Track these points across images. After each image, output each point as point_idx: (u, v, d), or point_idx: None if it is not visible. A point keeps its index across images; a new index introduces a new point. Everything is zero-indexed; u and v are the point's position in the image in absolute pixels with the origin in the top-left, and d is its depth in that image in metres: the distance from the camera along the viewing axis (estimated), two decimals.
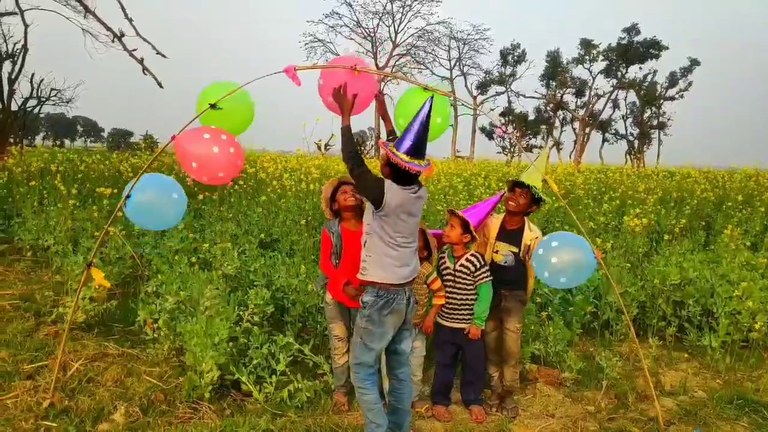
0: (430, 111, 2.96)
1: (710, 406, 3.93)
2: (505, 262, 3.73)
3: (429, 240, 3.63)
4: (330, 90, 3.19)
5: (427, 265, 3.70)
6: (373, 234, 3.01)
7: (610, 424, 3.67)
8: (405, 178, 2.97)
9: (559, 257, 3.26)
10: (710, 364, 4.64)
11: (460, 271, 3.68)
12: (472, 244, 3.73)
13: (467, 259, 3.67)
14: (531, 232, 3.72)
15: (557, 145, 42.78)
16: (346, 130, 3.05)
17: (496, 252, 3.76)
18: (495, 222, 3.80)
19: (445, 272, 3.75)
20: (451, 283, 3.71)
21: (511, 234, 3.74)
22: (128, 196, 3.17)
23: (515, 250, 3.71)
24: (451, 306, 3.71)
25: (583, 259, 3.26)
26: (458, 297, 3.69)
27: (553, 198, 7.99)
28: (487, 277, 3.66)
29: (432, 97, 3.02)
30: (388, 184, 2.95)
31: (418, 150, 2.93)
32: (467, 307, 3.69)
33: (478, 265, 3.65)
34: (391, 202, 2.93)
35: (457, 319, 3.71)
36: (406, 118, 3.36)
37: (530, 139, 43.89)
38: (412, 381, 3.79)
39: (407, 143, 2.93)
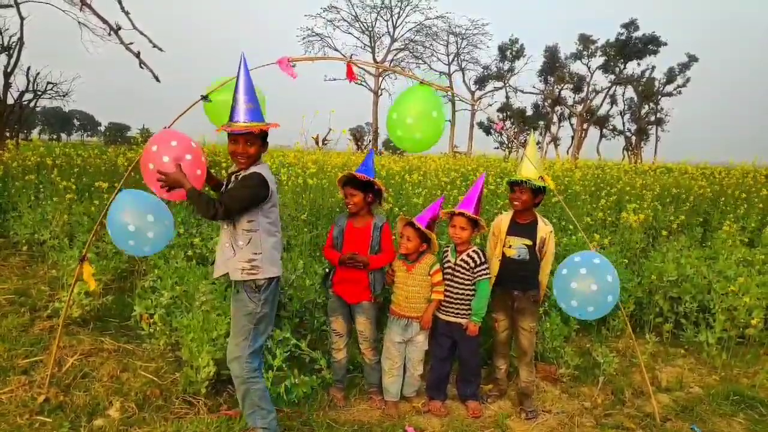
0: (247, 71, 2.86)
1: (706, 402, 3.94)
2: (519, 256, 3.68)
3: (425, 232, 3.61)
4: (153, 181, 2.86)
5: (431, 256, 3.70)
6: (260, 230, 2.89)
7: (607, 420, 3.68)
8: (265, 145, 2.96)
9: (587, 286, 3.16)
10: (706, 360, 4.66)
11: (460, 266, 3.68)
12: (480, 234, 3.76)
13: (468, 255, 3.67)
14: (546, 226, 3.70)
15: (555, 140, 42.79)
16: (194, 193, 2.75)
17: (509, 247, 3.72)
18: (505, 218, 3.79)
19: (446, 265, 3.75)
20: (450, 277, 3.71)
21: (523, 227, 3.71)
22: (119, 190, 3.17)
23: (529, 243, 3.66)
24: (448, 299, 3.71)
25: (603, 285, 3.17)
26: (455, 291, 3.69)
27: (551, 193, 7.98)
28: (486, 273, 3.66)
29: (244, 58, 2.87)
30: (264, 170, 2.87)
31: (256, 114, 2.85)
32: (464, 301, 3.69)
33: (479, 261, 3.65)
34: (273, 187, 2.90)
35: (454, 312, 3.71)
36: (400, 113, 3.32)
37: (528, 134, 43.87)
38: (412, 376, 3.80)
39: (254, 108, 2.81)
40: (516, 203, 3.68)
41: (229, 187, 2.96)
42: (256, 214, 2.88)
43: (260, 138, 2.90)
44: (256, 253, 2.89)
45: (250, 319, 2.93)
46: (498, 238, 3.78)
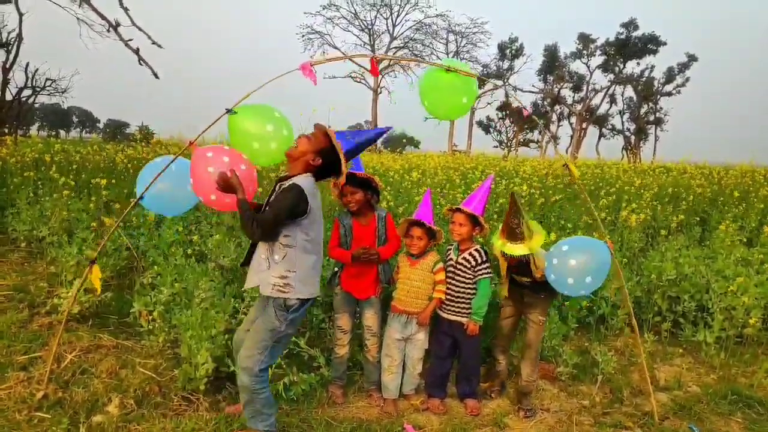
0: (376, 138, 3.10)
1: (704, 401, 3.95)
2: (524, 281, 3.70)
3: (433, 229, 3.63)
4: (206, 185, 2.90)
5: (435, 254, 3.72)
6: (296, 247, 2.78)
7: (605, 419, 3.68)
8: (326, 174, 2.95)
9: (577, 258, 3.24)
10: (705, 360, 4.66)
11: (462, 264, 3.68)
12: (481, 235, 3.74)
13: (470, 253, 3.67)
14: (537, 269, 3.50)
15: (554, 139, 42.84)
16: (243, 205, 2.73)
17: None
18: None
19: (448, 263, 3.76)
20: (451, 275, 3.71)
21: (519, 267, 3.65)
22: (141, 197, 3.17)
23: (528, 280, 3.64)
24: (449, 298, 3.71)
25: (599, 255, 3.27)
26: (457, 289, 3.70)
27: (550, 192, 7.99)
28: (487, 272, 3.66)
29: (385, 131, 3.24)
30: (306, 184, 2.78)
31: (351, 156, 2.96)
32: (465, 300, 3.69)
33: (480, 260, 3.65)
34: (313, 203, 2.80)
35: (455, 311, 3.71)
36: (430, 100, 3.36)
37: (527, 133, 43.92)
38: (411, 374, 3.80)
39: (349, 145, 2.90)
40: (513, 265, 3.67)
41: (272, 197, 2.89)
42: (293, 230, 2.77)
43: (319, 153, 2.87)
44: (290, 271, 2.78)
45: (272, 335, 2.83)
46: (499, 262, 3.79)
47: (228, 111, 2.95)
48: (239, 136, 3.00)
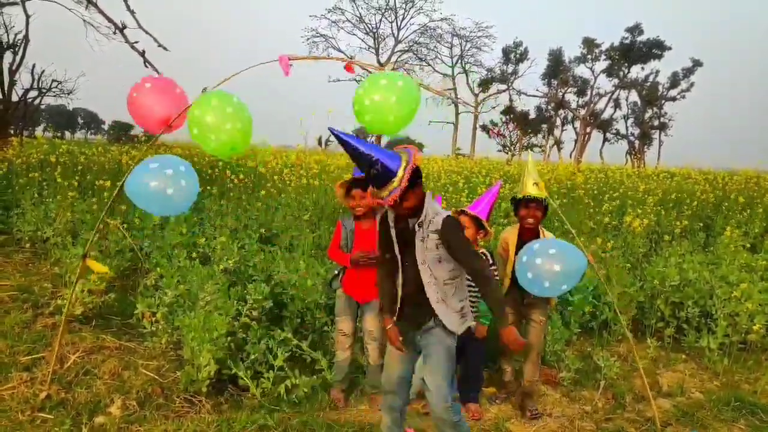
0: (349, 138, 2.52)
1: (707, 407, 3.93)
2: None
3: None
4: None
5: None
6: (461, 274, 2.73)
7: (607, 425, 3.67)
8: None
9: (561, 264, 3.08)
10: (708, 366, 4.65)
11: None
12: (484, 239, 3.73)
13: None
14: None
15: (558, 144, 42.77)
16: (502, 312, 2.62)
17: None
18: (512, 237, 3.76)
19: None
20: None
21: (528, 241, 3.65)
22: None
23: None
24: None
25: (578, 263, 3.13)
26: None
27: (554, 197, 7.98)
28: (494, 275, 3.66)
29: (334, 131, 2.54)
30: (442, 209, 2.73)
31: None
32: (471, 303, 3.68)
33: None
34: None
35: None
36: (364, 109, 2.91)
37: (531, 137, 43.87)
38: (415, 377, 3.78)
39: (383, 171, 2.49)
40: (530, 220, 3.63)
41: (414, 237, 2.66)
42: (453, 262, 2.69)
43: (409, 185, 2.50)
44: (463, 300, 2.75)
45: (449, 356, 2.71)
46: (507, 256, 3.77)
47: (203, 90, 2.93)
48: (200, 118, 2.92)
